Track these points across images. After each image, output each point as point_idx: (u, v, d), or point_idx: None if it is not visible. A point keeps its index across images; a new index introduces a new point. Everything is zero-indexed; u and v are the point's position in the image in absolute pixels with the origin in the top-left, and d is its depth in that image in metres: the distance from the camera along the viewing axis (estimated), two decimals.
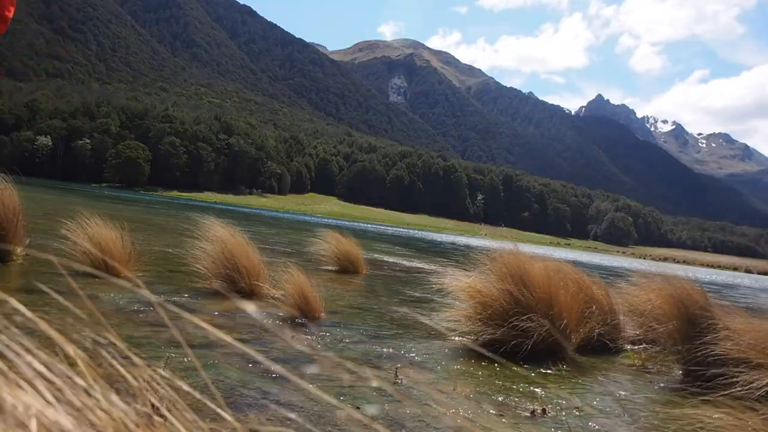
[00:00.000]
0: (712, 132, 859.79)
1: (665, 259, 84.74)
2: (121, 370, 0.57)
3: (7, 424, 0.49)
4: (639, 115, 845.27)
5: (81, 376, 0.52)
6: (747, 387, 3.49)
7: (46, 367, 0.53)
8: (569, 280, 5.02)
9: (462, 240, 49.41)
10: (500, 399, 3.26)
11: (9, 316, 0.58)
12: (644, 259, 78.16)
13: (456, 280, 4.84)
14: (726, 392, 3.45)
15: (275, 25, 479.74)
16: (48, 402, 0.50)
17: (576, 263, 6.06)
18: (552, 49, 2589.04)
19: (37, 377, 0.52)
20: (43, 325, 0.54)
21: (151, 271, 6.43)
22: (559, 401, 3.35)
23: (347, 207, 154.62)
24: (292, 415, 2.65)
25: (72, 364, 0.54)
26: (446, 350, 4.46)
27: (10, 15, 2.35)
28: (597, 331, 4.94)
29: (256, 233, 16.14)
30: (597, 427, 2.97)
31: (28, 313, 0.56)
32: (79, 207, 6.33)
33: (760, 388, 3.45)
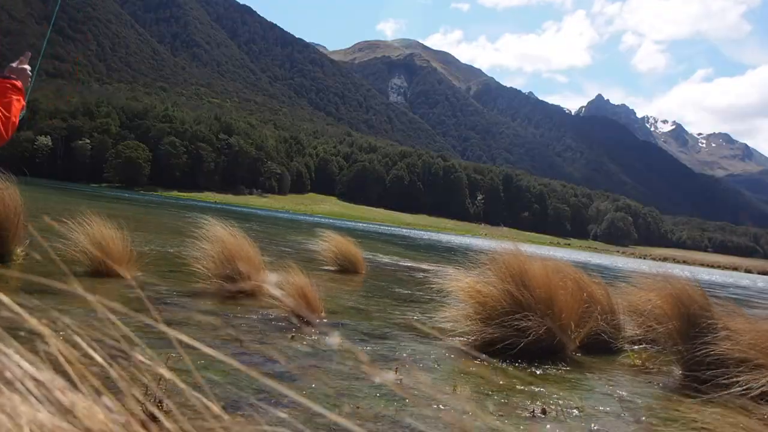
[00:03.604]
0: (712, 132, 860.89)
1: (665, 259, 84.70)
2: (113, 373, 0.53)
3: None
4: (640, 114, 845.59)
5: (71, 377, 0.49)
6: (747, 387, 3.49)
7: (36, 368, 0.50)
8: (569, 280, 5.03)
9: (462, 240, 49.38)
10: (500, 399, 3.26)
11: None
12: (644, 259, 78.14)
13: (455, 280, 4.85)
14: (726, 392, 3.45)
15: (275, 24, 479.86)
16: (37, 407, 0.48)
17: (576, 263, 6.07)
18: (554, 47, 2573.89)
19: (26, 378, 0.49)
20: (33, 322, 0.52)
21: (151, 270, 6.43)
22: (559, 401, 3.35)
23: (347, 207, 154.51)
24: (288, 417, 2.65)
25: (64, 364, 0.51)
26: (446, 350, 4.46)
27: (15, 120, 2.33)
28: (597, 330, 4.94)
29: (256, 233, 16.13)
30: (597, 427, 2.97)
31: (17, 309, 0.53)
32: (79, 207, 6.33)
33: (760, 387, 3.45)
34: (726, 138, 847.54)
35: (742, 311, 4.31)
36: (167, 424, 0.53)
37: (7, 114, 2.28)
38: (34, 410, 0.47)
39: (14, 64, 2.48)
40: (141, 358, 0.61)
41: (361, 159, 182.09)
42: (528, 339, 4.21)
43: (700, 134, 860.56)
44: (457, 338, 4.77)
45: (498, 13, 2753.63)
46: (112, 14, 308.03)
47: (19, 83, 2.41)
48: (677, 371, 4.44)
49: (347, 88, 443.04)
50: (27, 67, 2.52)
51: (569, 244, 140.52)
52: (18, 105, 2.36)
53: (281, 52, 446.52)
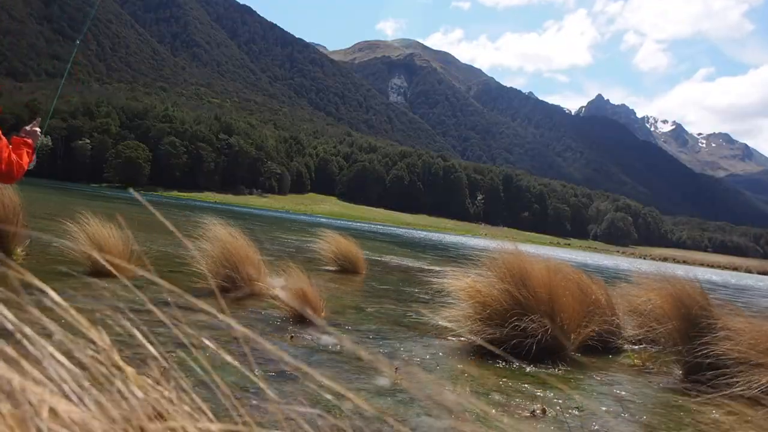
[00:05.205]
0: (712, 132, 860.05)
1: (665, 259, 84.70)
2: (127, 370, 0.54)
3: (17, 411, 0.48)
4: (640, 114, 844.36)
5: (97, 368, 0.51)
6: (746, 386, 3.49)
7: (60, 362, 0.51)
8: (569, 280, 5.02)
9: (462, 240, 49.39)
10: (500, 398, 3.26)
11: (33, 302, 0.56)
12: (644, 259, 78.13)
13: (456, 280, 4.84)
14: (726, 392, 3.45)
15: (275, 24, 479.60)
16: (63, 393, 0.49)
17: (576, 263, 6.07)
18: (555, 46, 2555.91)
19: (53, 366, 0.50)
20: (73, 312, 0.53)
21: (150, 271, 6.42)
22: (559, 401, 3.35)
23: (347, 207, 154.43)
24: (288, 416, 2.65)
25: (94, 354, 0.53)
26: (446, 350, 4.46)
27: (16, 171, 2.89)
28: (597, 331, 4.94)
29: (256, 233, 16.12)
30: (597, 427, 2.97)
31: (56, 297, 0.54)
32: (79, 207, 6.33)
33: (759, 386, 3.45)
34: (726, 138, 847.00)
35: (741, 311, 4.31)
36: (170, 423, 0.53)
37: (19, 161, 2.88)
38: (60, 399, 0.48)
39: (28, 127, 3.08)
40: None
41: (361, 159, 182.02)
42: (529, 339, 4.21)
43: (700, 134, 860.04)
44: (458, 338, 4.76)
45: (499, 13, 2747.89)
46: (112, 14, 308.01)
47: (30, 141, 3.05)
48: (677, 371, 4.43)
49: (347, 88, 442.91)
50: (38, 129, 3.13)
51: (569, 244, 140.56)
52: (27, 157, 2.99)
53: (281, 52, 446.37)
